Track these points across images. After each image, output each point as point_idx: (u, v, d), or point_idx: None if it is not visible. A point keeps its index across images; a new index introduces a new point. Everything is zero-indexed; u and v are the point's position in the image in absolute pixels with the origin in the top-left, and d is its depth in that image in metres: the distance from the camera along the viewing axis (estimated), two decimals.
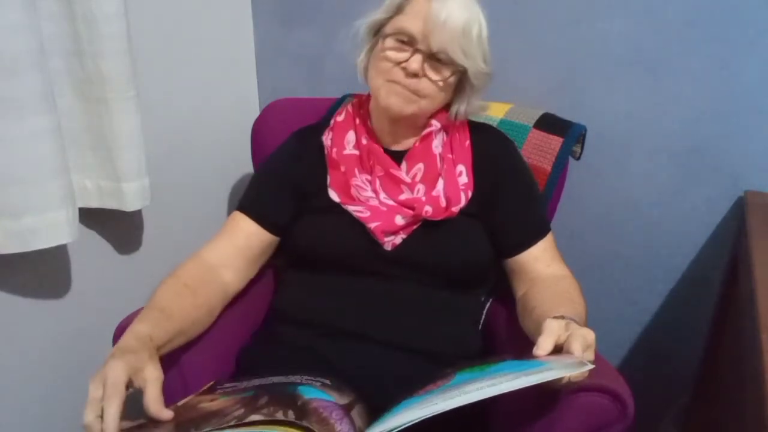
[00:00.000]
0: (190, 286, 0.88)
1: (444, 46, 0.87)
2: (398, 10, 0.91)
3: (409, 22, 0.88)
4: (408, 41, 0.89)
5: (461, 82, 0.94)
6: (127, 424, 0.66)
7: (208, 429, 0.63)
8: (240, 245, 0.97)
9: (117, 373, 0.67)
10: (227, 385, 0.78)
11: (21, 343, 1.11)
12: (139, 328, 0.76)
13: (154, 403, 0.68)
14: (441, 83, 0.91)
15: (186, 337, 0.85)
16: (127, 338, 0.74)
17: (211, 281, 0.92)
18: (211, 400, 0.72)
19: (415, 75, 0.89)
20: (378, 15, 0.94)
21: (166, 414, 0.68)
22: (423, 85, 0.90)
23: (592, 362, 0.63)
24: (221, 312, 0.93)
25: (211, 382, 0.82)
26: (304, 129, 1.07)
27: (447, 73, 0.90)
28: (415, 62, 0.88)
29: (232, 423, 0.63)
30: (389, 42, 0.90)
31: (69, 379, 1.21)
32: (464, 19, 0.87)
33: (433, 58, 0.89)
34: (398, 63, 0.89)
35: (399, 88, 0.90)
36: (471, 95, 0.96)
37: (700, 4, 1.06)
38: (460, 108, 0.97)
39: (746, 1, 1.03)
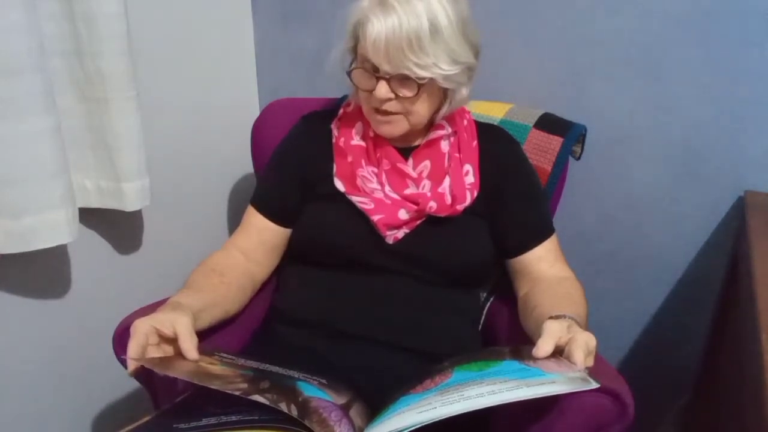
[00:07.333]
0: (217, 270, 0.92)
1: (396, 68, 0.84)
2: (357, 36, 0.88)
3: (367, 50, 0.85)
4: (373, 68, 0.87)
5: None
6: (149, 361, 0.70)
7: (212, 386, 0.65)
8: (254, 240, 0.99)
9: (139, 322, 0.72)
10: (225, 355, 0.78)
11: (21, 343, 1.11)
12: (169, 300, 0.81)
13: (183, 341, 0.71)
14: (416, 98, 0.88)
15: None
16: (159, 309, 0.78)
17: (237, 266, 0.96)
18: (210, 363, 0.72)
19: (388, 99, 0.87)
20: (344, 44, 0.92)
21: (192, 354, 0.71)
22: (400, 104, 0.88)
23: (594, 378, 0.63)
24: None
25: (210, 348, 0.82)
26: (313, 114, 1.07)
27: (416, 88, 0.86)
28: (381, 91, 0.86)
29: (237, 394, 0.64)
30: (357, 73, 0.89)
31: (69, 378, 1.21)
32: (407, 30, 0.81)
33: (398, 78, 0.86)
34: (370, 91, 0.88)
35: (383, 116, 0.90)
36: (453, 95, 0.92)
37: (701, 5, 1.06)
38: (444, 109, 0.93)
39: (747, 2, 1.03)
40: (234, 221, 1.54)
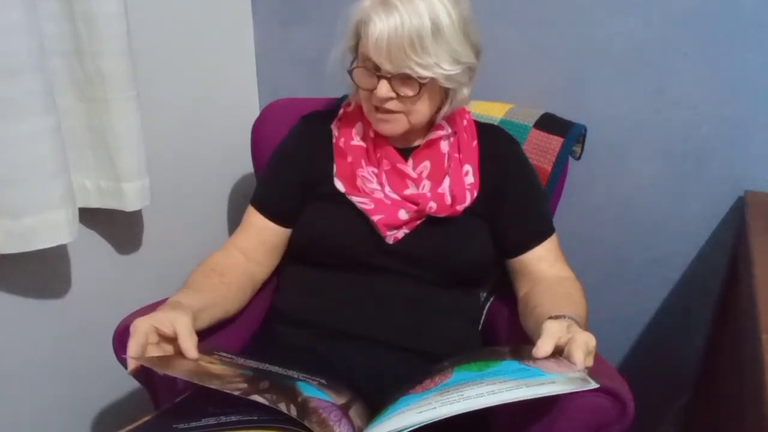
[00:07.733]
0: (217, 270, 0.92)
1: (398, 67, 0.84)
2: (358, 35, 0.88)
3: (368, 49, 0.84)
4: (374, 67, 0.86)
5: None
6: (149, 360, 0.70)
7: (211, 386, 0.65)
8: (254, 240, 0.99)
9: (139, 321, 0.72)
10: (225, 354, 0.78)
11: (21, 343, 1.11)
12: (169, 299, 0.81)
13: (183, 340, 0.71)
14: (417, 97, 0.88)
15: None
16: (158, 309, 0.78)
17: (237, 266, 0.96)
18: (210, 362, 0.72)
19: (389, 98, 0.87)
20: (345, 43, 0.92)
21: (192, 353, 0.71)
22: (401, 103, 0.88)
23: (593, 378, 0.63)
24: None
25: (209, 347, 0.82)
26: (313, 114, 1.07)
27: (417, 87, 0.86)
28: (382, 90, 0.86)
29: (236, 394, 0.64)
30: (358, 72, 0.89)
31: (69, 378, 1.21)
32: (409, 29, 0.81)
33: (400, 77, 0.85)
34: (371, 90, 0.88)
35: (383, 115, 0.90)
36: (454, 95, 0.92)
37: (701, 5, 1.06)
38: (444, 109, 0.93)
39: (747, 2, 1.03)
40: (234, 221, 1.54)
